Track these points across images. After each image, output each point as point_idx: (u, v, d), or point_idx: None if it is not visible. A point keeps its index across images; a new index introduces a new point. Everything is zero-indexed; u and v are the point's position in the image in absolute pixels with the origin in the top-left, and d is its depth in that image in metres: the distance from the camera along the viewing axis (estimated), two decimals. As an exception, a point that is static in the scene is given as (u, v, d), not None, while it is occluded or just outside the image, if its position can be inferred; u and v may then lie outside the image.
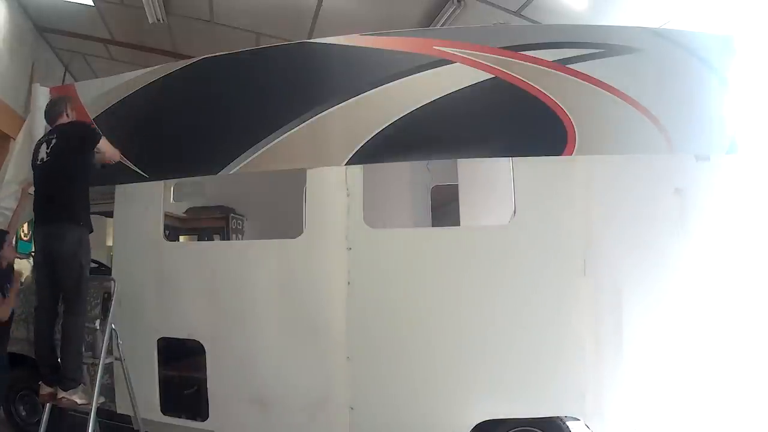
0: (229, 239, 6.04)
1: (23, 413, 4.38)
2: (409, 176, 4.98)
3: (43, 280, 3.60)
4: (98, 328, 3.76)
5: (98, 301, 4.07)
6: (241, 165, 3.75)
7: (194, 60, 4.11)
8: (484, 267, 3.41)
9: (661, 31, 3.70)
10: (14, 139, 5.63)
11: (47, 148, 3.64)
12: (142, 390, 3.79)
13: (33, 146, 3.93)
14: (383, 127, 3.51)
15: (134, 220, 4.08)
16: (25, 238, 6.77)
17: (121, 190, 4.11)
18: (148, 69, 4.20)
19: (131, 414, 3.84)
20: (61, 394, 3.41)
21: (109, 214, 4.33)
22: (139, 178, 4.04)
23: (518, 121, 3.52)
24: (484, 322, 3.35)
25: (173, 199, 5.38)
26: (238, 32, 7.70)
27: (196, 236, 6.27)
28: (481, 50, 3.49)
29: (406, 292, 3.46)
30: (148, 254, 4.00)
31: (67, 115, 3.83)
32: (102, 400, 3.56)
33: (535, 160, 3.41)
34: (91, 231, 3.66)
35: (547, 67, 3.44)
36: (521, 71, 3.44)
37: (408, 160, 4.04)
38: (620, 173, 3.38)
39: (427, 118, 3.49)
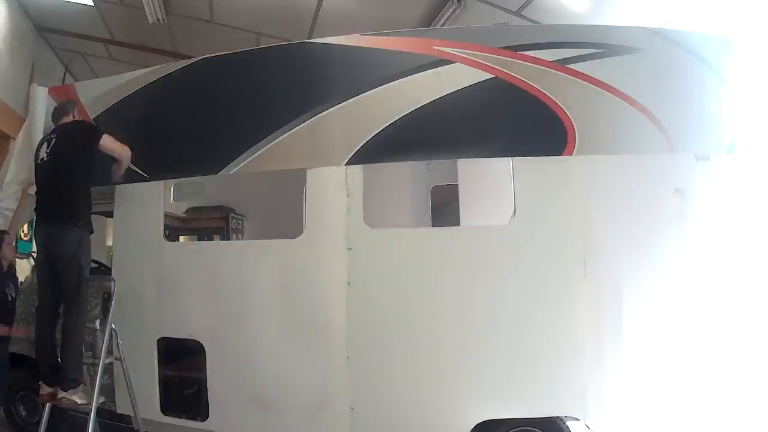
0: (229, 239, 6.04)
1: (23, 413, 4.38)
2: (409, 176, 4.98)
3: (44, 280, 3.60)
4: (98, 328, 3.76)
5: (98, 301, 4.07)
6: (241, 165, 3.76)
7: (194, 60, 4.11)
8: (484, 267, 3.41)
9: (661, 31, 3.70)
10: (14, 139, 5.62)
11: (47, 148, 3.64)
12: (142, 390, 3.79)
13: (33, 146, 3.93)
14: (383, 127, 3.52)
15: (134, 220, 4.08)
16: (25, 238, 6.77)
17: (121, 190, 4.11)
18: (148, 69, 4.20)
19: (131, 414, 3.84)
20: (61, 394, 3.41)
21: (109, 214, 4.33)
22: (139, 178, 4.04)
23: (518, 121, 3.52)
24: (484, 322, 3.35)
25: (173, 199, 5.37)
26: (238, 32, 7.69)
27: (196, 236, 6.27)
28: (481, 50, 3.49)
29: (406, 292, 3.46)
30: (148, 254, 4.00)
31: (73, 116, 3.84)
32: (102, 400, 3.57)
33: (535, 160, 3.42)
34: (92, 231, 3.66)
35: (547, 67, 3.45)
36: (521, 71, 3.45)
37: (408, 160, 4.04)
38: (620, 173, 3.39)
39: (427, 118, 3.49)
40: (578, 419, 3.29)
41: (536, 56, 3.46)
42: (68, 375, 3.43)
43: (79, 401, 3.43)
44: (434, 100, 3.48)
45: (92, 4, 7.49)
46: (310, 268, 3.62)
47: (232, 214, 6.24)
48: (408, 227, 4.68)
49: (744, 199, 3.41)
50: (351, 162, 3.54)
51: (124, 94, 4.15)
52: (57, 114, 3.86)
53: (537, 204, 3.39)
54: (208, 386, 3.74)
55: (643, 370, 3.22)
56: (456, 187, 4.54)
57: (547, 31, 4.08)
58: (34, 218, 3.78)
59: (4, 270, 4.17)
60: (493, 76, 3.46)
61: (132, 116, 4.10)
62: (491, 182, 4.12)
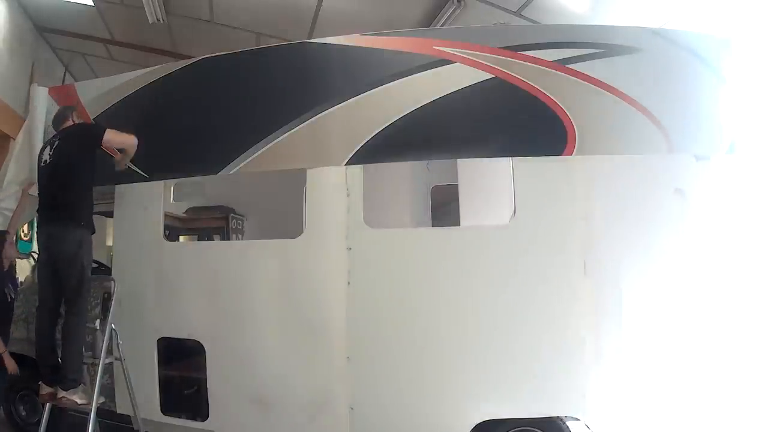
0: (229, 239, 6.04)
1: (23, 413, 4.38)
2: (409, 176, 4.98)
3: (45, 280, 3.60)
4: (98, 328, 3.76)
5: (98, 301, 4.06)
6: (241, 165, 3.75)
7: (194, 60, 4.11)
8: (484, 267, 3.41)
9: (661, 31, 3.70)
10: (14, 139, 5.62)
11: (50, 151, 3.66)
12: (142, 390, 3.79)
13: (33, 146, 3.93)
14: (383, 127, 3.52)
15: (134, 220, 4.08)
16: (25, 238, 6.78)
17: (121, 190, 4.12)
18: (148, 69, 4.20)
19: (131, 414, 3.84)
20: (62, 393, 3.41)
21: (109, 214, 4.33)
22: (139, 178, 4.04)
23: (518, 121, 3.52)
24: (484, 321, 3.35)
25: (173, 199, 5.39)
26: (238, 32, 7.70)
27: (196, 236, 6.27)
28: (481, 50, 3.49)
29: (406, 292, 3.46)
30: (148, 254, 4.00)
31: (72, 120, 3.85)
32: (102, 400, 3.56)
33: (535, 160, 3.42)
34: (93, 232, 3.66)
35: (547, 67, 3.44)
36: (521, 71, 3.45)
37: (408, 160, 4.04)
38: (620, 173, 3.38)
39: (427, 118, 3.49)
40: (578, 419, 3.29)
41: (536, 56, 3.46)
42: (68, 375, 3.43)
43: (79, 401, 3.43)
44: (434, 100, 3.48)
45: (92, 4, 7.50)
46: (310, 268, 3.62)
47: (232, 214, 6.24)
48: (408, 227, 4.69)
49: (744, 199, 3.41)
50: (351, 162, 3.54)
51: (124, 94, 4.15)
52: (57, 121, 3.88)
53: (537, 204, 3.39)
54: (208, 386, 3.74)
55: (643, 369, 3.22)
56: (456, 187, 4.54)
57: (547, 31, 4.08)
58: (36, 219, 3.78)
59: (5, 270, 4.17)
60: (493, 76, 3.46)
61: (132, 116, 4.10)
62: (491, 182, 4.12)
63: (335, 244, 3.52)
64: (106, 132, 3.64)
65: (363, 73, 3.64)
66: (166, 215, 4.20)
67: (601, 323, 3.26)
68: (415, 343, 3.41)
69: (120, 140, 3.74)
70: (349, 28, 4.86)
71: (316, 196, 3.62)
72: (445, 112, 3.49)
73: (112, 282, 3.86)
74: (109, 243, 5.35)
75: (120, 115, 4.12)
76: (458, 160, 4.10)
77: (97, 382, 3.45)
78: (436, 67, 3.51)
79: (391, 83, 3.55)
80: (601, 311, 3.27)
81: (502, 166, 3.55)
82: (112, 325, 3.62)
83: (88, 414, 3.33)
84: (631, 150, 3.44)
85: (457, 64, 3.49)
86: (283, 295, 3.66)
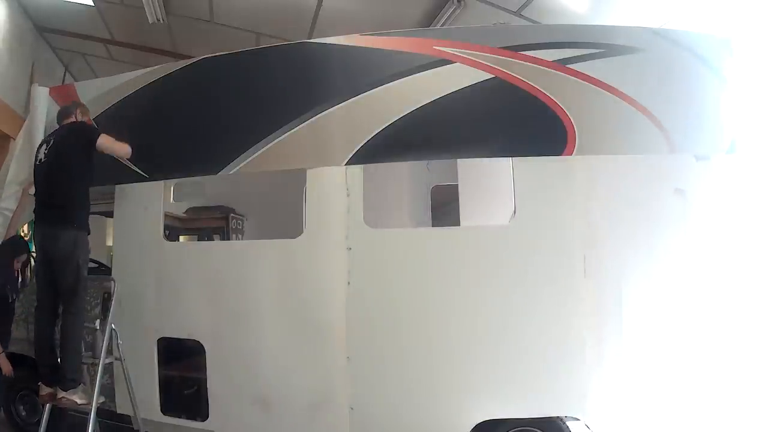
0: (229, 239, 6.04)
1: (23, 413, 4.38)
2: (409, 176, 4.98)
3: (43, 280, 3.61)
4: (98, 328, 3.76)
5: (98, 301, 4.06)
6: (241, 165, 3.75)
7: (194, 60, 4.12)
8: (484, 267, 3.41)
9: (661, 31, 3.70)
10: (14, 139, 5.63)
11: (46, 149, 3.66)
12: (142, 390, 3.79)
13: (33, 146, 3.93)
14: (383, 127, 3.51)
15: (134, 220, 4.08)
16: (24, 238, 6.77)
17: (121, 190, 4.11)
18: (148, 69, 4.20)
19: (131, 414, 3.84)
20: (61, 393, 3.41)
21: (109, 214, 4.33)
22: (139, 178, 4.04)
23: (518, 121, 3.52)
24: (483, 321, 3.35)
25: (173, 199, 5.39)
26: (238, 32, 7.70)
27: (196, 236, 6.27)
28: (481, 50, 3.49)
29: (406, 292, 3.46)
30: (148, 254, 4.00)
31: (75, 117, 3.85)
32: (102, 400, 3.56)
33: (535, 160, 3.41)
34: (89, 232, 3.65)
35: (547, 67, 3.44)
36: (521, 71, 3.44)
37: (408, 160, 4.03)
38: (620, 173, 3.38)
39: (427, 118, 3.49)
40: (578, 419, 3.29)
41: (536, 56, 3.46)
42: (67, 375, 3.43)
43: (79, 401, 3.43)
44: (434, 100, 3.48)
45: (92, 4, 7.50)
46: (310, 268, 3.62)
47: (232, 214, 6.24)
48: (408, 227, 4.69)
49: (744, 199, 3.41)
50: (351, 162, 3.54)
51: (124, 94, 4.15)
52: (60, 116, 3.88)
53: (537, 204, 3.39)
54: (208, 386, 3.74)
55: (643, 369, 3.22)
56: (456, 187, 4.54)
57: (547, 31, 4.08)
58: (34, 219, 3.78)
59: (11, 272, 4.18)
60: (493, 76, 3.46)
61: (132, 116, 4.10)
62: (491, 182, 4.12)
63: (335, 244, 3.51)
64: (100, 137, 3.63)
65: (363, 73, 3.64)
66: (166, 215, 4.20)
67: (601, 323, 3.26)
68: (415, 343, 3.41)
69: (113, 148, 3.73)
70: (349, 28, 4.86)
71: (316, 196, 3.62)
72: (445, 112, 3.49)
73: (112, 282, 3.86)
74: (109, 243, 5.35)
75: (120, 115, 4.12)
76: (458, 160, 4.10)
77: (97, 382, 3.45)
78: (436, 67, 3.51)
79: (391, 83, 3.55)
80: (602, 311, 3.27)
81: (502, 166, 3.54)
82: (112, 325, 3.62)
83: (88, 414, 3.33)
84: (632, 150, 3.44)
85: (457, 64, 3.49)
86: (283, 295, 3.66)
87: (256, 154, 3.72)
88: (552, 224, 3.36)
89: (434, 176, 5.09)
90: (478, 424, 3.27)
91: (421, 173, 5.03)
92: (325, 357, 3.51)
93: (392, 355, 3.43)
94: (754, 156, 3.49)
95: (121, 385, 3.80)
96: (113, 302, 3.70)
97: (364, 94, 3.57)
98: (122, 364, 3.68)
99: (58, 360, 3.53)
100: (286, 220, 4.42)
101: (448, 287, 3.41)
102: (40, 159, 3.67)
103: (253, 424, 3.65)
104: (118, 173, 4.05)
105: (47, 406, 3.52)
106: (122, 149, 3.78)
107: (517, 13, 6.18)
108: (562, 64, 3.44)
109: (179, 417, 3.90)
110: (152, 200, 4.03)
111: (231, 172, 3.80)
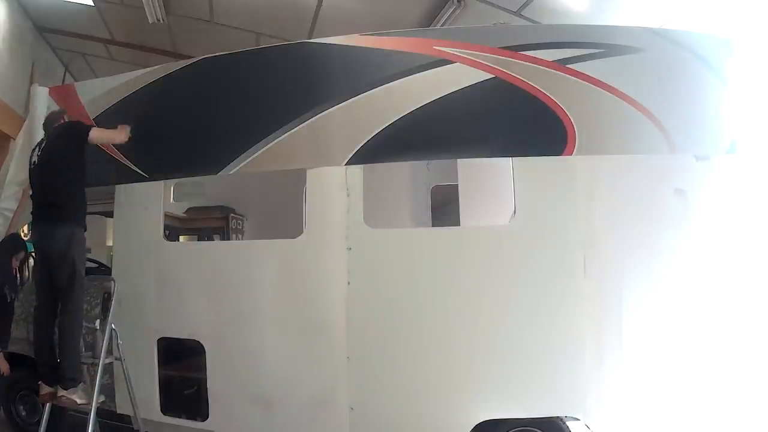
0: (229, 239, 6.04)
1: (23, 413, 4.38)
2: (409, 176, 4.98)
3: (42, 280, 3.62)
4: (98, 328, 3.76)
5: (98, 301, 4.07)
6: (241, 165, 3.75)
7: (194, 60, 4.11)
8: (484, 267, 3.41)
9: (661, 31, 3.70)
10: (14, 139, 5.63)
11: (38, 151, 3.70)
12: (142, 390, 3.79)
13: (32, 147, 3.92)
14: (383, 127, 3.51)
15: (134, 220, 4.08)
16: (25, 238, 6.77)
17: (121, 190, 4.11)
18: (148, 69, 4.20)
19: (131, 414, 3.84)
20: (61, 393, 3.42)
21: (109, 214, 4.33)
22: (139, 178, 4.04)
23: (518, 121, 3.52)
24: (483, 321, 3.35)
25: (173, 199, 5.39)
26: (238, 32, 7.70)
27: (196, 236, 6.27)
28: (481, 50, 3.49)
29: (406, 292, 3.46)
30: (148, 254, 4.00)
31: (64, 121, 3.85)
32: (102, 399, 3.57)
33: (535, 160, 3.41)
34: (85, 229, 3.66)
35: (547, 67, 3.44)
36: (521, 71, 3.44)
37: (408, 160, 4.04)
38: (620, 173, 3.38)
39: (427, 118, 3.48)
40: (578, 419, 3.29)
41: (536, 56, 3.45)
42: (66, 374, 3.44)
43: (79, 401, 3.44)
44: (434, 100, 3.47)
45: (92, 4, 7.50)
46: (310, 268, 3.62)
47: (232, 214, 6.24)
48: (408, 227, 4.69)
49: (744, 199, 3.41)
50: (351, 162, 3.54)
51: (124, 94, 4.15)
52: (48, 124, 3.89)
53: (537, 204, 3.39)
54: (208, 386, 3.74)
55: (643, 370, 3.22)
56: (456, 187, 4.54)
57: (547, 31, 4.08)
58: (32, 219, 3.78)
59: (9, 271, 4.18)
60: (493, 76, 3.46)
61: (132, 116, 4.09)
62: (491, 182, 4.12)
63: (335, 244, 3.51)
64: (91, 131, 3.67)
65: (363, 73, 3.63)
66: (166, 215, 4.20)
67: (601, 323, 3.26)
68: (415, 343, 3.41)
69: (107, 137, 3.79)
70: (349, 28, 4.87)
71: (316, 196, 3.62)
72: (445, 112, 3.49)
73: (112, 282, 3.86)
74: (109, 243, 5.35)
75: (120, 115, 4.12)
76: (458, 160, 4.10)
77: (97, 382, 3.45)
78: (436, 67, 3.51)
79: (391, 83, 3.54)
80: (602, 311, 3.27)
81: (502, 166, 3.54)
82: (112, 325, 3.62)
83: (88, 414, 3.33)
84: (632, 150, 3.44)
85: (457, 64, 3.49)
86: (283, 295, 3.66)
87: (256, 154, 3.72)
88: (552, 224, 3.36)
89: (434, 176, 5.09)
90: (478, 424, 3.27)
91: (421, 173, 5.03)
92: (325, 357, 3.51)
93: (392, 355, 3.43)
94: (754, 156, 3.49)
95: (121, 385, 3.80)
96: (113, 302, 3.70)
97: (364, 94, 3.57)
98: (122, 364, 3.68)
99: (58, 360, 3.52)
100: (286, 220, 4.42)
101: (448, 287, 3.41)
102: (34, 161, 3.71)
103: (253, 424, 3.65)
104: (118, 173, 4.05)
105: (47, 405, 3.52)
106: (118, 135, 3.82)
107: (517, 13, 6.18)
108: (562, 64, 3.43)
109: (179, 417, 3.90)
110: (152, 200, 4.03)
111: (231, 172, 3.80)
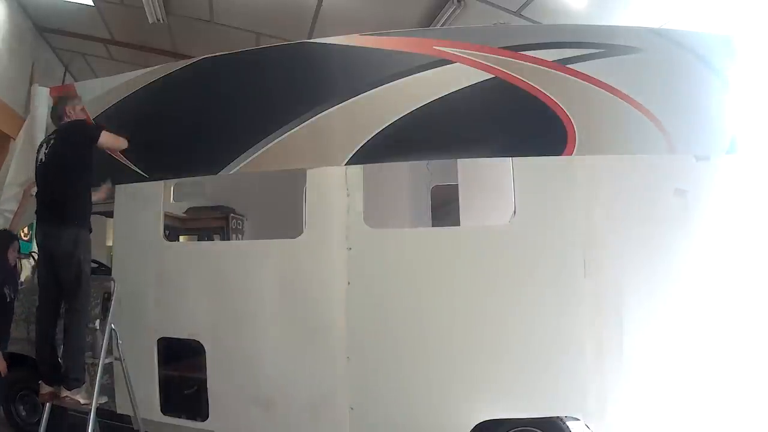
0: (229, 239, 6.04)
1: (23, 413, 4.38)
2: (409, 176, 4.98)
3: (45, 280, 3.60)
4: (98, 328, 3.76)
5: (98, 301, 4.06)
6: (241, 165, 3.75)
7: (194, 60, 4.11)
8: (484, 267, 3.41)
9: (662, 31, 3.70)
10: (14, 139, 5.63)
11: (46, 149, 3.67)
12: (142, 390, 3.79)
13: (33, 147, 3.93)
14: (383, 127, 3.51)
15: (134, 220, 4.07)
16: (25, 239, 6.78)
17: (121, 190, 4.11)
18: (148, 69, 4.20)
19: (131, 414, 3.84)
20: (65, 393, 3.40)
21: (109, 214, 4.33)
22: (139, 178, 4.04)
23: (518, 121, 3.52)
24: (484, 322, 3.34)
25: (173, 199, 5.39)
26: (238, 32, 7.70)
27: (196, 236, 6.27)
28: (481, 50, 3.49)
29: (406, 292, 3.46)
30: (148, 254, 3.99)
31: (67, 116, 3.84)
32: (104, 399, 3.57)
33: (535, 160, 3.41)
34: (90, 230, 3.65)
35: (547, 67, 3.44)
36: (521, 71, 3.44)
37: (408, 160, 4.04)
38: (620, 173, 3.38)
39: (427, 118, 3.48)
40: (578, 419, 3.29)
41: (536, 56, 3.46)
42: (70, 374, 3.43)
43: (82, 401, 3.42)
44: (434, 100, 3.47)
45: (92, 4, 7.51)
46: (310, 268, 3.62)
47: (232, 214, 6.25)
48: (408, 227, 4.69)
49: (744, 199, 3.40)
50: (351, 162, 3.54)
51: (124, 94, 4.15)
52: (53, 117, 3.89)
53: (537, 204, 3.39)
54: (208, 386, 3.74)
55: (643, 370, 3.22)
56: (456, 187, 4.54)
57: (547, 31, 4.08)
58: (35, 219, 3.78)
59: (8, 269, 4.17)
60: (493, 76, 3.46)
61: (132, 116, 4.10)
62: (491, 182, 4.12)
63: (335, 244, 3.52)
64: (102, 134, 3.66)
65: (363, 73, 3.64)
66: (166, 215, 4.20)
67: (601, 323, 3.26)
68: (415, 343, 3.41)
69: (114, 143, 3.81)
70: (349, 28, 4.86)
71: (316, 196, 3.62)
72: (445, 112, 3.49)
73: (112, 282, 3.86)
74: (109, 243, 5.35)
75: (120, 114, 4.12)
76: (458, 160, 4.10)
77: (97, 382, 3.44)
78: (436, 67, 3.51)
79: (391, 83, 3.55)
80: (602, 311, 3.27)
81: (502, 166, 3.54)
82: (112, 325, 3.62)
83: (88, 414, 3.32)
84: (632, 150, 3.44)
85: (457, 64, 3.49)
86: (283, 295, 3.66)
87: (256, 154, 3.72)
88: (552, 224, 3.37)
89: (434, 176, 5.09)
90: (478, 424, 3.27)
91: (421, 173, 5.03)
92: (326, 357, 3.51)
93: (392, 355, 3.43)
94: (754, 156, 3.49)
95: (121, 385, 3.80)
96: (113, 302, 3.70)
97: (364, 94, 3.57)
98: (122, 364, 3.67)
99: (59, 359, 3.53)
100: (286, 220, 4.42)
101: (448, 287, 3.41)
102: (41, 159, 3.67)
103: (253, 424, 3.64)
104: (118, 173, 4.05)
105: (47, 405, 3.52)
106: (124, 144, 3.87)
107: (517, 13, 6.18)
108: (562, 64, 3.44)
109: (179, 417, 3.90)
110: (152, 200, 4.03)
111: (231, 172, 3.80)
